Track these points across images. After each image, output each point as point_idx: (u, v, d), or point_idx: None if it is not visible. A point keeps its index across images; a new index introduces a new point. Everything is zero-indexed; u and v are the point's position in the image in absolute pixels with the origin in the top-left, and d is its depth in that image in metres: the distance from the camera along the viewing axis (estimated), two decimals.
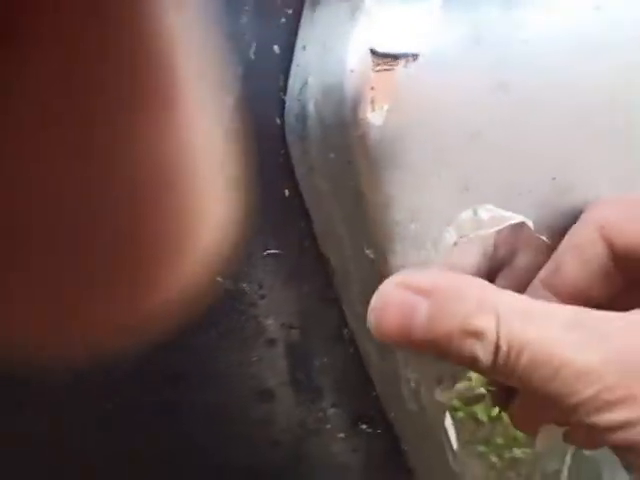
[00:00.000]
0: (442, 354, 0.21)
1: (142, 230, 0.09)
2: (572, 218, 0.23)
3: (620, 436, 0.21)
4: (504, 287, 0.22)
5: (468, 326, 0.21)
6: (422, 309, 0.21)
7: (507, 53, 0.21)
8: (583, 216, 0.23)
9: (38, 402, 0.31)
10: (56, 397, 0.31)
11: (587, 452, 0.33)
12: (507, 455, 0.36)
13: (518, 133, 0.21)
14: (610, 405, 0.20)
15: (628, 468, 0.25)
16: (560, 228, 0.23)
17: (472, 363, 0.21)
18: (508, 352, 0.21)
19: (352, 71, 0.21)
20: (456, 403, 0.29)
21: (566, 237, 0.23)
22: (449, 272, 0.23)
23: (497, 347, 0.21)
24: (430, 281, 0.21)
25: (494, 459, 0.37)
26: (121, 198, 0.09)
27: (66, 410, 0.32)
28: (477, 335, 0.21)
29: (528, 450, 0.34)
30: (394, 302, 0.22)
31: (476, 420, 0.34)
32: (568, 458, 0.33)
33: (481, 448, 0.36)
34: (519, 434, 0.34)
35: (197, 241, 0.10)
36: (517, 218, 0.22)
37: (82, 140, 0.09)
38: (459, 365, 0.22)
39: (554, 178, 0.22)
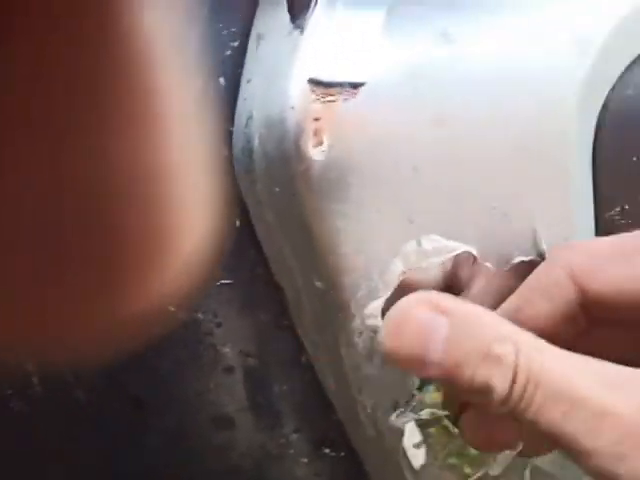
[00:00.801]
0: (456, 380, 0.20)
1: (120, 238, 0.09)
2: (514, 245, 0.23)
3: None
4: None
5: (487, 351, 0.20)
6: (442, 330, 0.20)
7: (444, 87, 0.21)
8: (549, 259, 0.23)
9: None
10: (20, 407, 0.31)
11: (546, 467, 0.33)
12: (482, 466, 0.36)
13: (457, 166, 0.21)
14: (633, 451, 0.19)
15: None
16: (504, 255, 0.24)
17: (486, 392, 0.20)
18: (526, 383, 0.20)
19: (293, 107, 0.21)
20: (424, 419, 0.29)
21: (531, 277, 0.23)
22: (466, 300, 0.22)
23: (515, 375, 0.20)
24: (452, 303, 0.21)
25: (467, 470, 0.37)
26: (97, 202, 0.09)
27: (30, 420, 0.32)
28: (495, 361, 0.20)
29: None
30: (414, 318, 0.20)
31: (448, 433, 0.34)
32: (527, 473, 0.33)
33: (453, 460, 0.36)
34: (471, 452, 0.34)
35: (175, 252, 0.10)
36: (462, 247, 0.23)
37: (57, 146, 0.09)
38: (471, 396, 0.21)
39: (494, 207, 0.23)
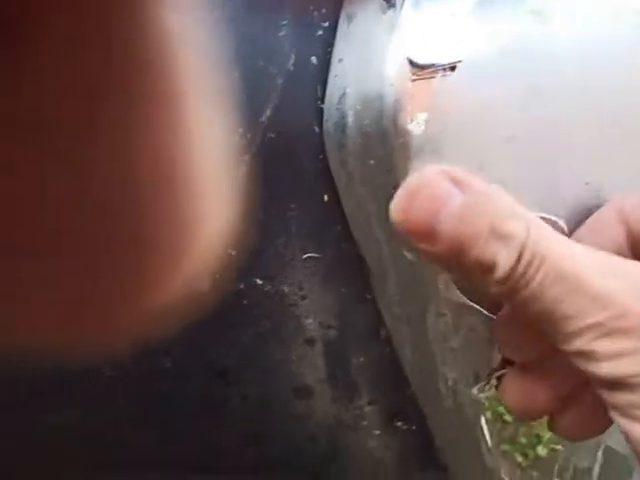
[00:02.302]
0: (462, 256, 0.20)
1: (144, 231, 0.09)
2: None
3: (611, 367, 0.20)
4: None
5: (498, 227, 0.20)
6: (456, 201, 0.20)
7: (537, 62, 0.22)
8: (607, 204, 0.23)
9: (73, 397, 0.32)
10: (99, 391, 0.32)
11: (619, 448, 0.33)
12: (531, 454, 0.37)
13: (551, 138, 0.22)
14: (617, 332, 0.20)
15: None
16: None
17: (489, 269, 0.20)
18: (530, 261, 0.20)
19: (391, 84, 0.22)
20: (486, 402, 0.30)
21: (587, 220, 0.23)
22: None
23: (521, 253, 0.20)
24: (470, 178, 0.20)
25: (519, 458, 0.37)
26: (122, 199, 0.09)
27: (110, 404, 0.33)
28: (505, 238, 0.20)
29: (558, 446, 0.34)
30: (429, 186, 0.20)
31: (502, 420, 0.34)
32: (600, 455, 0.33)
33: (506, 447, 0.36)
34: (542, 433, 0.34)
35: (199, 243, 0.10)
36: (551, 218, 0.23)
37: (82, 141, 0.09)
38: (471, 277, 0.21)
39: (587, 183, 0.23)
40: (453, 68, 0.22)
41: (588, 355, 0.21)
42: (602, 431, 0.25)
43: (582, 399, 0.24)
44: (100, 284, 0.10)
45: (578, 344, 0.20)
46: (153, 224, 0.09)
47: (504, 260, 0.20)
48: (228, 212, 0.10)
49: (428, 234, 0.20)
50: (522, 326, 0.23)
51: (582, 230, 0.24)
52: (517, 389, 0.24)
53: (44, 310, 0.09)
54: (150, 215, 0.09)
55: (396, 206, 0.20)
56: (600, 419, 0.24)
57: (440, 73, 0.22)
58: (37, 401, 0.32)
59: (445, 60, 0.22)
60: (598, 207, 0.24)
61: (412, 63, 0.22)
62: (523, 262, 0.20)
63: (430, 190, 0.20)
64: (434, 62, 0.22)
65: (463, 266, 0.20)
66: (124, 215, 0.09)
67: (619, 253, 0.22)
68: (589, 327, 0.20)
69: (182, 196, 0.10)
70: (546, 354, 0.24)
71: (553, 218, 0.23)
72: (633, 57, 0.22)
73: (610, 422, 0.24)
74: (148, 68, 0.09)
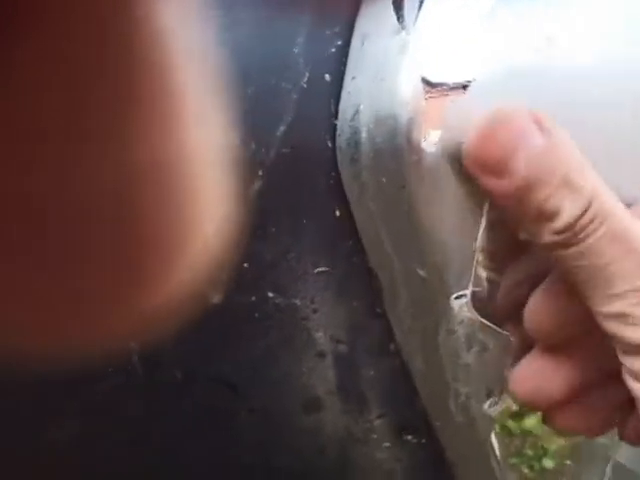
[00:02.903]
0: (528, 198, 0.20)
1: (139, 231, 0.09)
2: None
3: None
4: None
5: (571, 178, 0.20)
6: (537, 142, 0.20)
7: (546, 86, 0.22)
8: None
9: (71, 406, 0.32)
10: (97, 402, 0.33)
11: (627, 464, 0.33)
12: (537, 466, 0.37)
13: None
14: None
15: None
16: None
17: (550, 217, 0.20)
18: (594, 216, 0.20)
19: (405, 104, 0.22)
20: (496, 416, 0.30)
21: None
22: None
23: (587, 207, 0.20)
24: (555, 126, 0.21)
25: (525, 470, 0.37)
26: (116, 200, 0.09)
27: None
28: (574, 190, 0.20)
29: (567, 461, 0.34)
30: (513, 122, 0.20)
31: (509, 433, 0.35)
32: (608, 470, 0.33)
33: (514, 460, 0.36)
34: (547, 446, 0.34)
35: (195, 244, 0.10)
36: None
37: (74, 142, 0.09)
38: (529, 224, 0.21)
39: None
40: (465, 87, 0.22)
41: (626, 318, 0.21)
42: (599, 432, 0.25)
43: (590, 395, 0.25)
44: (93, 285, 0.10)
45: (619, 306, 0.21)
46: (148, 224, 0.09)
47: (569, 210, 0.20)
48: (225, 213, 0.10)
49: (501, 167, 0.20)
50: (558, 295, 0.23)
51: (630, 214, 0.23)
52: (532, 373, 0.25)
53: (37, 312, 0.09)
54: (145, 215, 0.09)
55: (476, 133, 0.20)
56: (601, 419, 0.24)
57: (453, 92, 0.22)
58: (41, 413, 0.32)
59: (458, 79, 0.22)
60: None
61: (426, 81, 0.22)
62: (587, 216, 0.20)
63: (514, 125, 0.20)
64: (447, 81, 0.22)
65: (523, 208, 0.21)
66: (118, 215, 0.09)
67: None
68: (635, 290, 0.20)
69: (178, 197, 0.10)
70: (573, 334, 0.24)
71: None
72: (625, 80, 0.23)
73: (610, 426, 0.25)
74: (143, 67, 0.09)
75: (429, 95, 0.22)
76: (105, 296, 0.10)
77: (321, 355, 0.32)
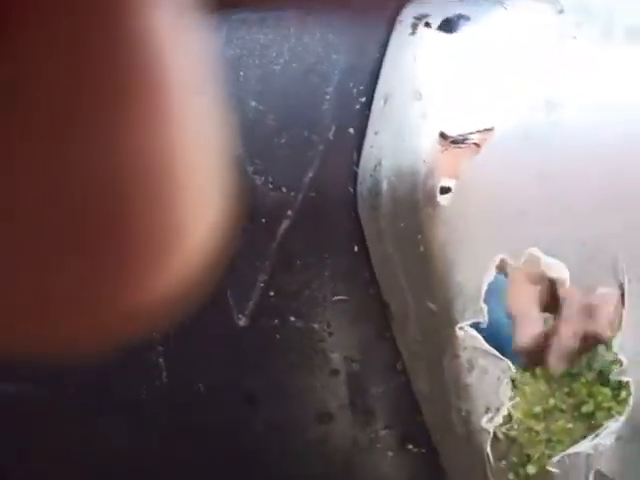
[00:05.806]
0: None
1: (126, 229, 0.09)
2: (596, 278, 0.28)
3: None
4: None
5: None
6: None
7: (548, 147, 0.26)
8: None
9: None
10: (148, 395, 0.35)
11: (609, 474, 0.36)
12: (522, 472, 0.40)
13: (558, 213, 0.26)
14: None
15: None
16: (590, 286, 0.28)
17: None
18: None
19: (424, 161, 0.26)
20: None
21: None
22: None
23: None
24: None
25: (511, 476, 0.40)
26: (103, 197, 0.09)
27: (155, 407, 0.36)
28: None
29: (551, 468, 0.38)
30: None
31: (496, 439, 0.38)
32: (590, 477, 0.36)
33: (502, 464, 0.40)
34: (531, 452, 0.38)
35: (186, 243, 0.10)
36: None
37: (61, 138, 0.09)
38: None
39: (584, 245, 0.27)
40: (478, 144, 0.26)
41: None
42: None
43: None
44: (79, 283, 0.09)
45: None
46: (136, 223, 0.09)
47: None
48: (219, 213, 0.10)
49: None
50: None
51: None
52: None
53: (25, 311, 0.09)
54: (133, 213, 0.09)
55: None
56: None
57: (467, 150, 0.26)
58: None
59: (473, 136, 0.26)
60: (595, 269, 0.28)
61: (443, 135, 0.26)
62: None
63: None
64: (463, 136, 0.26)
65: None
66: (105, 213, 0.09)
67: None
68: None
69: (168, 195, 0.09)
70: None
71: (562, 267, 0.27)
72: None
73: None
74: (135, 64, 0.09)
75: (446, 149, 0.26)
76: (86, 294, 0.09)
77: (335, 373, 0.35)
